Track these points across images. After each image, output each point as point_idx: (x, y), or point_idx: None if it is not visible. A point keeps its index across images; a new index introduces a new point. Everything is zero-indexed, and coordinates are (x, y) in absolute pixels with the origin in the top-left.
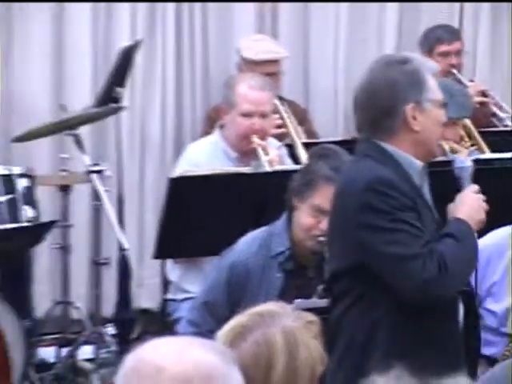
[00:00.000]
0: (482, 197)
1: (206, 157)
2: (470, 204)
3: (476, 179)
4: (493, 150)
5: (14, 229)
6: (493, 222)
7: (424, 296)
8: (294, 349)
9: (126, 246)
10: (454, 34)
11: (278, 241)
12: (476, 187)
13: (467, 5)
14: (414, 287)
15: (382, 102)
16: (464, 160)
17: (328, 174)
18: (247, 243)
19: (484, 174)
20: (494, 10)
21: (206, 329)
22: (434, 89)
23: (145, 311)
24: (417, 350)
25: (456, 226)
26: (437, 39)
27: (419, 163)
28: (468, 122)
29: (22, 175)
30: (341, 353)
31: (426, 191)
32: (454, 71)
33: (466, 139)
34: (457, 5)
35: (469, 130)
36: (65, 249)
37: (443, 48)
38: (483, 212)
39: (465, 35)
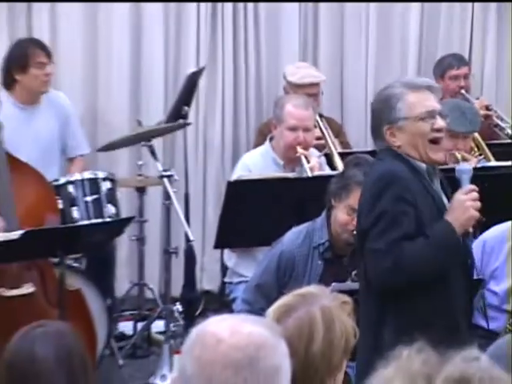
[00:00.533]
0: (472, 196)
1: (258, 164)
2: (455, 205)
3: (482, 182)
4: (497, 159)
5: (98, 223)
6: (496, 217)
7: (379, 285)
8: (330, 324)
9: (192, 237)
10: (461, 60)
11: (318, 234)
12: (469, 188)
13: (476, 31)
14: (372, 277)
15: (372, 125)
16: (465, 165)
17: (361, 179)
18: (294, 236)
19: (489, 178)
20: (499, 36)
21: (257, 307)
22: (409, 106)
23: (206, 292)
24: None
25: (436, 227)
26: (448, 65)
27: (423, 165)
28: (477, 135)
29: (105, 179)
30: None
31: (438, 189)
32: (463, 92)
33: (476, 150)
34: (468, 32)
35: (477, 142)
36: (140, 240)
37: (453, 72)
38: (471, 210)
39: (473, 60)
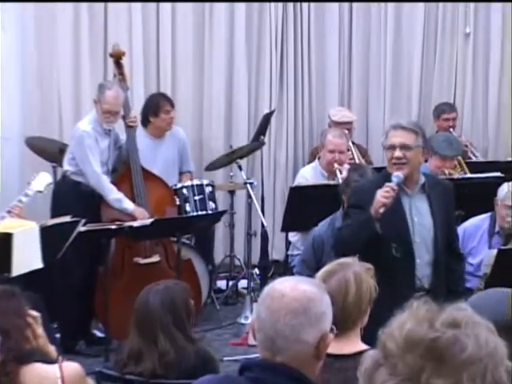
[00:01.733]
0: (385, 189)
1: (310, 175)
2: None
3: (462, 188)
4: (471, 173)
5: (203, 214)
6: (472, 212)
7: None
8: (359, 283)
9: (265, 224)
10: (452, 107)
11: (338, 220)
12: (387, 185)
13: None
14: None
15: None
16: (398, 173)
17: (356, 179)
18: (322, 223)
19: (467, 185)
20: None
21: (305, 275)
22: (385, 139)
23: (275, 261)
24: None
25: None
26: (442, 110)
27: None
28: (459, 157)
29: (208, 184)
30: None
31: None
32: (451, 129)
33: (458, 167)
34: (452, 84)
35: (459, 162)
36: (231, 226)
37: (445, 116)
38: (378, 196)
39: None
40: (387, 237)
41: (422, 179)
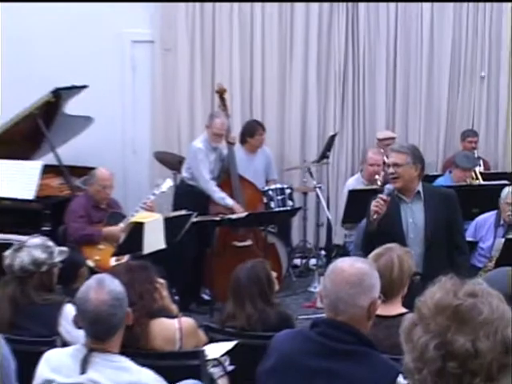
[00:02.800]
0: (377, 200)
1: (353, 185)
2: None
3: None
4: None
5: (284, 210)
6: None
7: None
8: (401, 263)
9: (330, 217)
10: (475, 133)
11: None
12: (379, 196)
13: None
14: None
15: None
16: (387, 186)
17: None
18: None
19: (480, 190)
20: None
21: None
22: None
23: (337, 245)
24: None
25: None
26: (467, 135)
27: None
28: (476, 169)
29: (288, 188)
30: None
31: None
32: (474, 150)
33: (474, 177)
34: (471, 115)
35: (475, 173)
36: (304, 218)
37: (469, 139)
38: (372, 207)
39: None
40: (387, 233)
41: (418, 188)
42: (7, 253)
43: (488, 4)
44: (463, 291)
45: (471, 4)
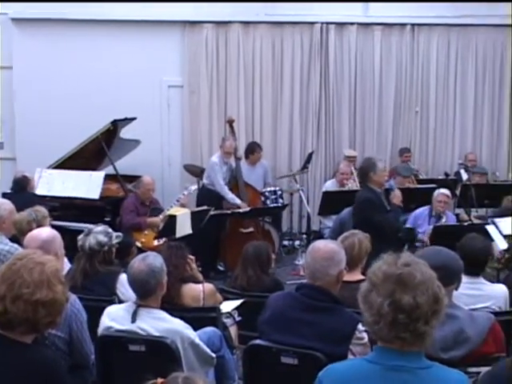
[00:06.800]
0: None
1: (330, 186)
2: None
3: (414, 193)
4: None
5: (276, 206)
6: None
7: None
8: (361, 243)
9: (309, 211)
10: (408, 150)
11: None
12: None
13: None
14: None
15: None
16: (391, 183)
17: None
18: (345, 212)
19: (417, 191)
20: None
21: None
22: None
23: (314, 231)
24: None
25: None
26: (404, 151)
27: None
28: (412, 176)
29: (279, 190)
30: None
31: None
32: (409, 162)
33: (411, 182)
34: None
35: (412, 180)
36: (291, 212)
37: (405, 154)
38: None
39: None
40: None
41: None
42: (80, 237)
43: (420, 56)
44: (400, 262)
45: (409, 57)
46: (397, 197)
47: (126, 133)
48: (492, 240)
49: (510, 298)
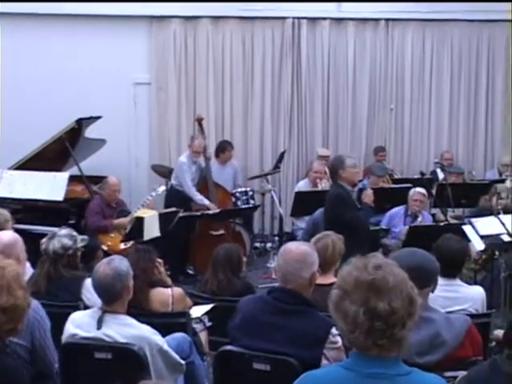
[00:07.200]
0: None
1: (302, 186)
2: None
3: (388, 192)
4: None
5: (247, 207)
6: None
7: None
8: (335, 245)
9: (281, 212)
10: (383, 149)
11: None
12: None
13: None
14: None
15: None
16: (365, 182)
17: None
18: (318, 212)
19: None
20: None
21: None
22: (349, 165)
23: (287, 232)
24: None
25: None
26: (379, 150)
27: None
28: (387, 176)
29: (250, 190)
30: None
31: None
32: (384, 162)
33: (386, 182)
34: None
35: (387, 179)
36: (262, 213)
37: (380, 153)
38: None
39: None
40: None
41: None
42: (43, 240)
43: (394, 52)
44: (371, 266)
45: (383, 53)
46: (368, 196)
47: (91, 132)
48: (469, 241)
49: (487, 300)
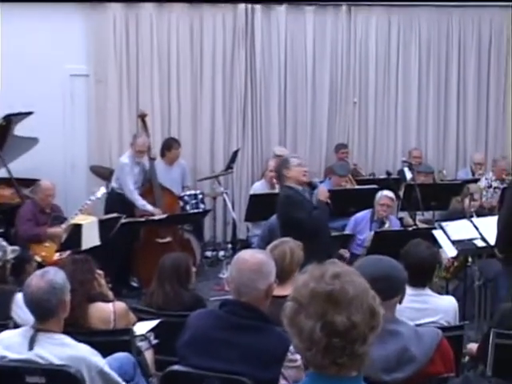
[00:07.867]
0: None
1: (258, 188)
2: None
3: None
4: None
5: (197, 212)
6: (359, 208)
7: None
8: (293, 253)
9: (235, 217)
10: (345, 146)
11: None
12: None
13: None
14: None
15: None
16: (317, 183)
17: None
18: (275, 217)
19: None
20: None
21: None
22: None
23: (241, 240)
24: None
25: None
26: (340, 147)
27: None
28: (350, 176)
29: (200, 194)
30: None
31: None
32: (346, 159)
33: (349, 182)
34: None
35: (350, 179)
36: (214, 218)
37: (342, 150)
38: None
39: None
40: None
41: None
42: None
43: (357, 40)
44: (328, 275)
45: (345, 41)
46: (322, 192)
47: (21, 129)
48: (439, 246)
49: (460, 312)
